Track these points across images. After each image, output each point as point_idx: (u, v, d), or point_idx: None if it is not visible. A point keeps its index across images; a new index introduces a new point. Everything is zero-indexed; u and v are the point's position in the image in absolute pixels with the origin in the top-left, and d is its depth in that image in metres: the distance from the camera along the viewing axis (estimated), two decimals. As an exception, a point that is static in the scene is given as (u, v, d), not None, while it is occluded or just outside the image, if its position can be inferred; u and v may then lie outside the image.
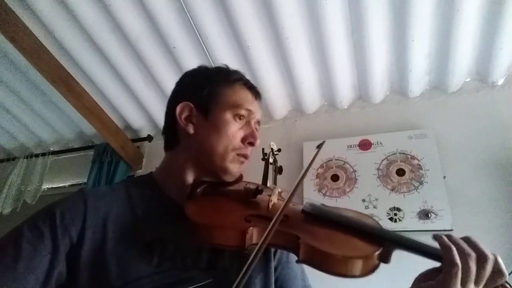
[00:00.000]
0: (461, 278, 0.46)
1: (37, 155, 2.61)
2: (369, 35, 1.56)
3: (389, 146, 1.76)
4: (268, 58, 1.76)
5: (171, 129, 0.74)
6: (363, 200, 1.69)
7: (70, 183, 2.60)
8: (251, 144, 0.71)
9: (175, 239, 0.62)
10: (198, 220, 0.58)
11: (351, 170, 1.79)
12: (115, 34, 1.73)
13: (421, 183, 1.62)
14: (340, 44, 1.64)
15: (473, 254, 0.46)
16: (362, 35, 1.58)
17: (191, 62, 1.76)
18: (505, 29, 1.46)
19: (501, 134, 1.61)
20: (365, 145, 1.82)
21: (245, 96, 0.73)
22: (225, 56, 1.72)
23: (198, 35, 1.66)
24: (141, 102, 2.14)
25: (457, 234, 0.52)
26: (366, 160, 1.77)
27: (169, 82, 1.88)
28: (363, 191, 1.71)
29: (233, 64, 1.70)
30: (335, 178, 1.79)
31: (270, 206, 0.64)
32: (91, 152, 2.44)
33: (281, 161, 0.83)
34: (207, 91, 0.71)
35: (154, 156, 2.35)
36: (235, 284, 0.43)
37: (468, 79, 1.76)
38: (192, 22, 1.61)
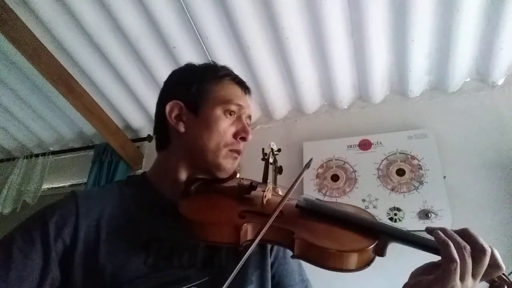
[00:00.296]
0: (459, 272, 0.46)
1: (37, 155, 2.61)
2: (369, 35, 1.56)
3: (389, 146, 1.76)
4: (268, 58, 1.76)
5: (162, 128, 0.73)
6: (363, 200, 1.69)
7: (70, 183, 2.59)
8: (243, 139, 0.70)
9: (172, 238, 0.62)
10: (192, 217, 0.58)
11: (351, 170, 1.79)
12: (115, 34, 1.73)
13: (421, 183, 1.62)
14: (340, 44, 1.64)
15: (468, 248, 0.46)
16: (362, 35, 1.57)
17: (191, 62, 1.75)
18: (505, 29, 1.45)
19: (501, 134, 1.61)
20: (365, 145, 1.81)
21: (234, 91, 0.73)
22: (225, 56, 1.72)
23: (198, 35, 1.66)
24: (141, 102, 2.14)
25: (456, 232, 0.52)
26: (366, 160, 1.77)
27: (169, 82, 1.88)
28: (363, 191, 1.71)
29: (233, 64, 1.70)
30: (335, 178, 1.79)
31: (265, 202, 0.63)
32: (91, 152, 2.44)
33: (281, 161, 0.82)
34: (195, 88, 0.70)
35: (154, 156, 2.32)
36: (230, 279, 0.44)
37: (468, 79, 1.76)
38: (192, 22, 1.61)
